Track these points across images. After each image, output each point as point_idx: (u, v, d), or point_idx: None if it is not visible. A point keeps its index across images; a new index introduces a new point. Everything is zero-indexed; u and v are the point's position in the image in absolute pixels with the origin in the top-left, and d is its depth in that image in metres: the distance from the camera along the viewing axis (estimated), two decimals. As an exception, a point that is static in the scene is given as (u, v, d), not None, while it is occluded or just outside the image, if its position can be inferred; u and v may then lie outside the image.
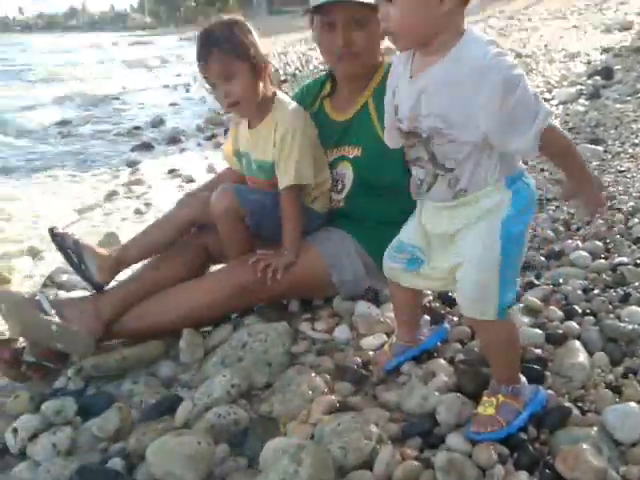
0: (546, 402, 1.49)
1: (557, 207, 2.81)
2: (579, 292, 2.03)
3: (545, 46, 9.16)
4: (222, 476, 1.41)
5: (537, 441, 1.40)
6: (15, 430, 1.55)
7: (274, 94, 2.05)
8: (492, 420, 1.42)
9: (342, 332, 1.97)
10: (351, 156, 2.13)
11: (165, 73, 16.63)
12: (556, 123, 1.17)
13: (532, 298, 1.99)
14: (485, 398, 1.48)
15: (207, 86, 2.06)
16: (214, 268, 2.27)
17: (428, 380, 1.66)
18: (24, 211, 4.21)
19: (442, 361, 1.74)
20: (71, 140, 7.32)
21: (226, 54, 1.89)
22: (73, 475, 1.37)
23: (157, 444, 1.39)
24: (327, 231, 2.16)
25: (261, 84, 1.98)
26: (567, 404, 1.49)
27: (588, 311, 1.92)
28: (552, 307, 1.95)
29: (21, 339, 1.89)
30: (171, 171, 5.03)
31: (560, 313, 1.92)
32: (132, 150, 6.25)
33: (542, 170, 3.36)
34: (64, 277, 2.72)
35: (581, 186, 1.40)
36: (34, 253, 3.24)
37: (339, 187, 2.17)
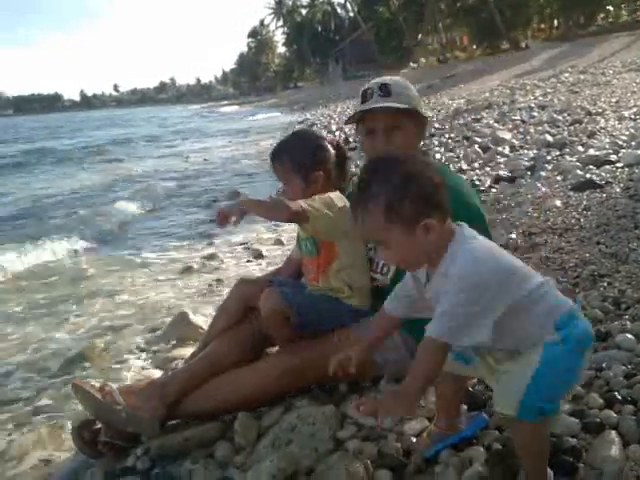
0: (574, 497, 1.53)
1: (609, 284, 2.81)
2: (621, 378, 2.04)
3: (616, 102, 9.06)
4: None
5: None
6: (87, 507, 1.75)
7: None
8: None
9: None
10: None
11: (245, 142, 17.61)
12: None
13: (573, 383, 2.02)
14: (513, 494, 1.55)
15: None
16: (269, 350, 2.47)
17: (465, 468, 1.73)
18: (105, 286, 4.61)
19: (480, 449, 1.81)
20: (153, 211, 7.92)
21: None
22: None
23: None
24: (368, 317, 2.31)
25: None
26: (595, 499, 1.52)
27: (629, 399, 1.92)
28: (593, 394, 1.97)
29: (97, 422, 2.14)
30: (242, 244, 5.35)
31: (600, 400, 1.94)
32: (209, 223, 6.67)
33: (598, 243, 3.36)
34: (140, 355, 2.99)
35: None
36: (116, 329, 3.55)
37: (384, 270, 2.33)
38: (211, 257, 5.02)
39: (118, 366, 3.01)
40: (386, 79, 2.23)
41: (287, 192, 2.31)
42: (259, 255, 4.85)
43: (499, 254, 1.47)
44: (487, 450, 1.79)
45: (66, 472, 2.13)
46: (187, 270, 4.74)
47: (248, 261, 4.77)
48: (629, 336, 2.28)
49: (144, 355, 3.07)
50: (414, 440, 1.93)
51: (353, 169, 5.06)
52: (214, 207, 7.78)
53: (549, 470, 1.56)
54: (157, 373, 2.80)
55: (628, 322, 2.43)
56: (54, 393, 2.79)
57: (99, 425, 2.14)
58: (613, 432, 1.75)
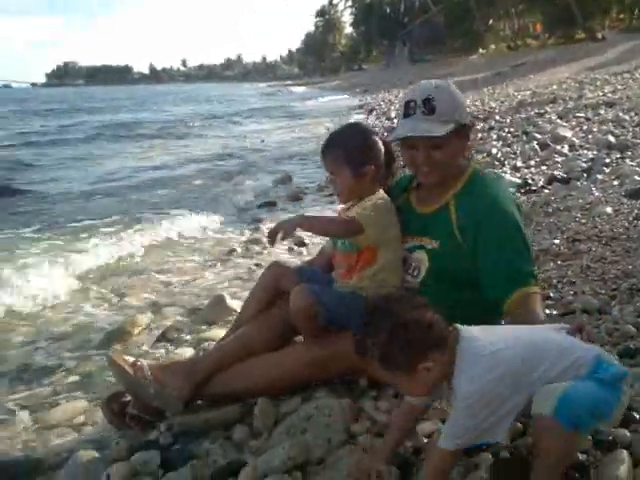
0: (572, 513, 1.54)
1: (647, 299, 2.74)
2: (643, 397, 2.01)
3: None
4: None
5: None
6: (108, 476, 1.89)
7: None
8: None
9: (400, 415, 2.11)
10: (429, 247, 2.29)
11: (303, 125, 17.69)
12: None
13: (593, 399, 2.00)
14: (512, 503, 1.57)
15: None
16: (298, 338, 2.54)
17: (470, 471, 1.75)
18: (150, 264, 4.80)
19: (488, 455, 1.82)
20: (206, 192, 8.12)
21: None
22: (145, 523, 1.66)
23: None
24: None
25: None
26: (594, 517, 1.53)
27: (647, 419, 1.90)
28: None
29: (127, 395, 2.28)
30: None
31: (617, 418, 1.92)
32: (259, 207, 6.80)
33: (643, 255, 3.26)
34: (176, 334, 3.13)
35: None
36: (156, 308, 3.71)
37: (415, 272, 2.35)
38: (255, 242, 5.15)
39: (154, 344, 3.16)
40: (431, 88, 2.15)
41: (334, 183, 2.35)
42: (301, 243, 4.93)
43: (511, 345, 1.52)
44: (495, 456, 1.81)
45: (94, 442, 2.28)
46: (230, 253, 4.88)
47: (290, 248, 4.85)
48: (658, 355, 2.24)
49: (180, 335, 3.21)
50: (425, 440, 1.96)
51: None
52: (265, 191, 7.92)
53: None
54: (191, 352, 2.93)
55: (661, 340, 2.37)
56: (92, 365, 2.97)
57: (128, 398, 2.27)
58: (625, 452, 1.73)
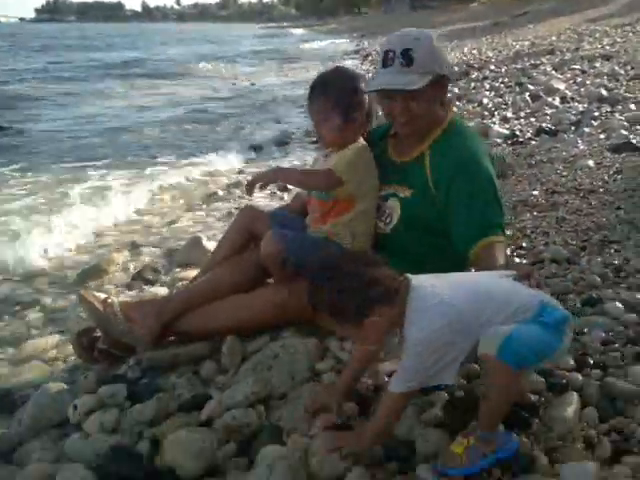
0: (517, 450, 1.60)
1: (616, 251, 2.78)
2: (598, 344, 2.06)
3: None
4: (222, 471, 1.70)
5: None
6: (75, 407, 1.94)
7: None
8: (458, 458, 1.57)
9: (363, 355, 2.16)
10: (402, 195, 2.30)
11: (295, 69, 17.36)
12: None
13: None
14: (459, 438, 1.62)
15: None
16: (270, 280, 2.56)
17: (426, 409, 1.82)
18: (130, 205, 4.79)
19: (444, 394, 1.89)
20: (193, 135, 8.03)
21: None
22: (108, 451, 1.72)
23: (173, 436, 1.71)
24: None
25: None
26: (537, 453, 1.60)
27: (601, 365, 1.96)
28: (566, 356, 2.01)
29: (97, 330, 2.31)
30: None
31: (572, 362, 1.97)
32: (245, 151, 6.74)
33: (618, 208, 3.28)
34: (151, 274, 3.15)
35: None
36: (133, 247, 3.72)
37: (387, 220, 2.36)
38: (236, 185, 5.13)
39: (129, 282, 3.18)
40: (410, 39, 2.10)
41: (320, 128, 2.29)
42: (284, 188, 4.90)
43: (460, 293, 1.57)
44: (450, 396, 1.87)
45: (64, 375, 2.34)
46: (212, 196, 4.87)
47: (273, 193, 4.84)
48: (618, 304, 2.28)
49: (156, 274, 3.23)
50: (386, 379, 2.02)
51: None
52: (252, 135, 7.84)
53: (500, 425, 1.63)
54: (165, 292, 2.95)
55: (622, 291, 2.42)
56: (66, 302, 2.99)
57: (98, 334, 2.30)
58: (575, 394, 1.79)
